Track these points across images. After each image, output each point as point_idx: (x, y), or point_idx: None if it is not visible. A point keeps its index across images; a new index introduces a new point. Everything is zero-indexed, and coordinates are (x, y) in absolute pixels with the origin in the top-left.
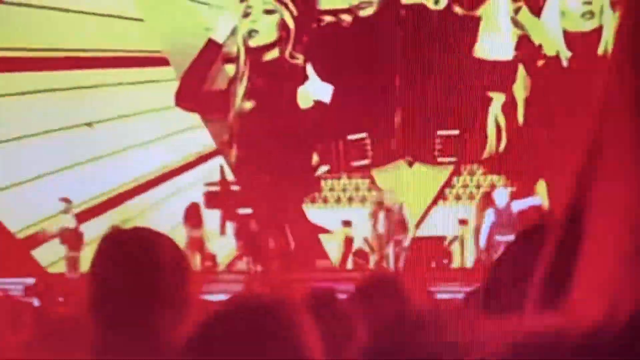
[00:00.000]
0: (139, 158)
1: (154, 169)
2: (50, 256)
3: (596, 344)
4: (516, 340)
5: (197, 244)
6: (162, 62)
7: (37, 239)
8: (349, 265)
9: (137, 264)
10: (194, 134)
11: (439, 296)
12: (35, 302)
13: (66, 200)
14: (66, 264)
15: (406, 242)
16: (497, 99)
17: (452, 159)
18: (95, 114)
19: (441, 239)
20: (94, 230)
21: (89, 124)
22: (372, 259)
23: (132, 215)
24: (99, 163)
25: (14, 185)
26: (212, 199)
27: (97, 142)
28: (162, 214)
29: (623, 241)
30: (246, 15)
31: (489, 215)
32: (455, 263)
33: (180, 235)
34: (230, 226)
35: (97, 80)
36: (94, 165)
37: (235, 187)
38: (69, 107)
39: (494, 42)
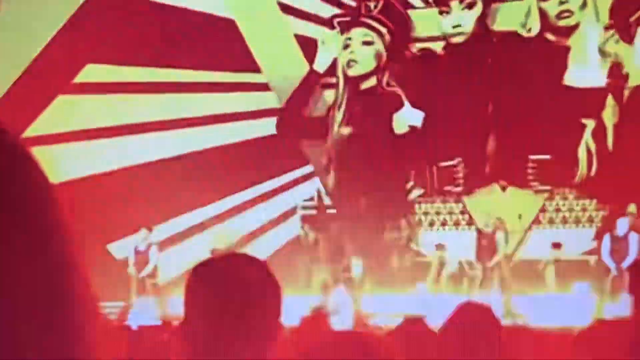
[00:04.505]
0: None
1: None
2: None
3: None
4: None
5: None
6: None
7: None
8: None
9: (228, 292)
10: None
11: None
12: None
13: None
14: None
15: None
16: (588, 125)
17: (546, 187)
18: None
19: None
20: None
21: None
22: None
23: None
24: None
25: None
26: (309, 222)
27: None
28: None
29: None
30: (346, 47)
31: (606, 240)
32: (549, 288)
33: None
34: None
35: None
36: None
37: (331, 211)
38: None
39: (583, 71)
